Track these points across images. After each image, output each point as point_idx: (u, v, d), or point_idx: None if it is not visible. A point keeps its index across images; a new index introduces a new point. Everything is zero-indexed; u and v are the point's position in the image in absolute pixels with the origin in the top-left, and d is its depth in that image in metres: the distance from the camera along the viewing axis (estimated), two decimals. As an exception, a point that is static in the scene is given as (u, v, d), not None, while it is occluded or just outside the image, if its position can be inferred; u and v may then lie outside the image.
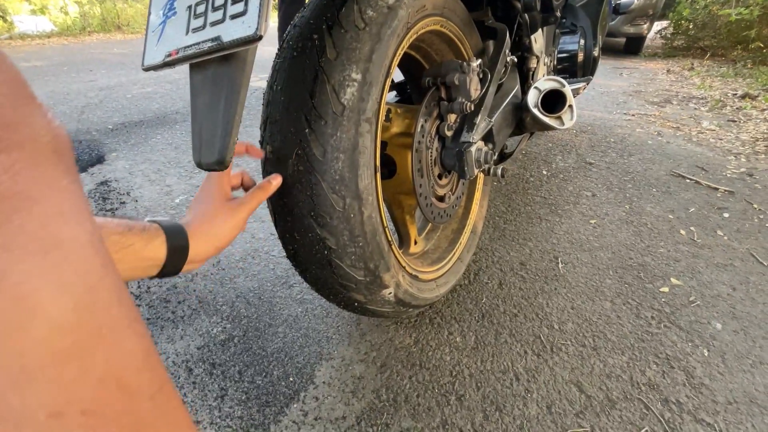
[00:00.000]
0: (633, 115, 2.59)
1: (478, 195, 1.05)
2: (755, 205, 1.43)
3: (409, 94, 1.04)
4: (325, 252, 0.57)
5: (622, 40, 5.29)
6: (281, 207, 0.57)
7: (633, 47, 5.26)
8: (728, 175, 1.68)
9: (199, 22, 0.41)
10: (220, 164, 0.43)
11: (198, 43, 0.40)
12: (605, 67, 4.36)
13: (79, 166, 1.63)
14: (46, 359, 0.14)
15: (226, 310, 0.92)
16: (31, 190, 0.14)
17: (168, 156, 1.74)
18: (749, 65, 3.94)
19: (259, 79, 3.26)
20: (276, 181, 0.54)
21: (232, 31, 0.37)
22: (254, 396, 0.72)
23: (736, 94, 3.02)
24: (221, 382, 0.75)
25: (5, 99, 0.15)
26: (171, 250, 0.45)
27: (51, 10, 7.00)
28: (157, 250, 0.44)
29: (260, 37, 0.36)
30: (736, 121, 2.44)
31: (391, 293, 0.66)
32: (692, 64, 4.37)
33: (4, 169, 0.14)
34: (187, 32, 0.42)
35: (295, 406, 0.71)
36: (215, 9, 0.39)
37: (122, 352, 0.17)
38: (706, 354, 0.83)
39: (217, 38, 0.38)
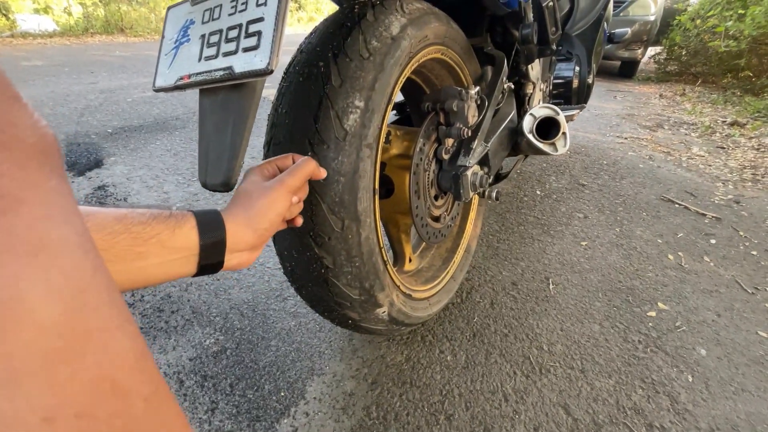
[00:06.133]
0: (626, 138, 2.65)
1: (472, 215, 1.07)
2: (741, 233, 1.47)
3: (407, 114, 1.07)
4: (322, 270, 0.58)
5: (617, 63, 5.43)
6: (281, 225, 0.59)
7: (627, 71, 5.40)
8: (716, 202, 1.73)
9: (212, 51, 0.43)
10: (225, 186, 0.44)
11: (210, 71, 0.42)
12: (600, 89, 4.46)
13: (76, 169, 1.64)
14: (36, 362, 0.13)
15: (219, 321, 0.92)
16: (17, 191, 0.14)
17: (167, 162, 1.75)
18: (738, 93, 4.05)
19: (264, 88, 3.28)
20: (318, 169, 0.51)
21: (244, 63, 0.39)
22: (245, 410, 0.73)
23: (725, 121, 3.10)
24: (212, 395, 0.75)
25: None
26: (204, 235, 0.40)
27: (54, 9, 7.03)
28: (188, 237, 0.39)
29: (271, 71, 0.38)
30: (724, 148, 2.51)
31: (384, 312, 0.67)
32: (684, 90, 4.48)
33: None
34: (200, 59, 0.44)
35: (285, 421, 0.71)
36: (228, 41, 0.41)
37: (114, 353, 0.16)
38: (690, 380, 0.85)
39: (229, 68, 0.40)
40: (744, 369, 0.88)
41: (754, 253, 1.34)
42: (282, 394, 0.76)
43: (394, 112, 1.10)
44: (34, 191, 0.15)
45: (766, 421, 0.76)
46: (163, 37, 0.50)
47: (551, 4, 0.85)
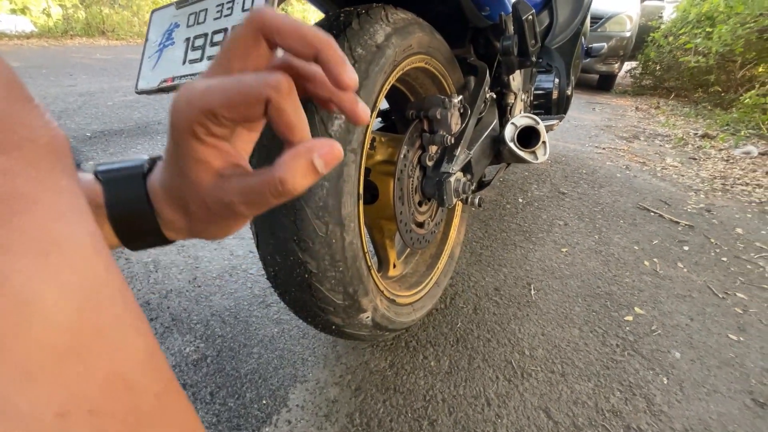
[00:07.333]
0: (604, 148, 2.73)
1: (456, 221, 1.09)
2: (712, 240, 1.53)
3: (392, 121, 1.08)
4: (306, 275, 0.58)
5: (596, 76, 5.62)
6: (264, 230, 0.58)
7: (605, 84, 5.60)
8: (688, 210, 1.80)
9: (197, 54, 0.43)
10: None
11: (194, 74, 0.42)
12: (580, 101, 4.60)
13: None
14: (50, 360, 0.14)
15: (200, 328, 0.90)
16: (30, 191, 0.14)
17: (147, 167, 1.72)
18: (709, 107, 4.25)
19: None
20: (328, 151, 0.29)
21: (228, 67, 0.39)
22: (225, 419, 0.71)
23: (697, 134, 3.24)
24: (191, 404, 0.73)
25: (2, 101, 0.15)
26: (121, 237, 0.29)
27: (32, 10, 6.86)
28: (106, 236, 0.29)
29: (256, 76, 0.38)
30: (696, 159, 2.61)
31: (368, 317, 0.68)
32: (658, 103, 4.67)
33: (2, 171, 0.14)
34: (184, 62, 0.44)
35: (267, 429, 0.70)
36: (213, 44, 0.41)
37: (126, 350, 0.17)
38: (665, 382, 0.88)
39: (214, 72, 0.40)
40: (716, 371, 0.91)
41: (725, 259, 1.40)
42: (264, 401, 0.75)
43: (380, 119, 1.11)
44: (47, 191, 0.15)
45: (736, 421, 0.79)
46: (147, 39, 0.50)
47: (531, 18, 0.89)
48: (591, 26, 4.78)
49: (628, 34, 4.82)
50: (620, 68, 5.28)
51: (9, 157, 0.14)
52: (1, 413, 0.13)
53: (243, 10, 0.40)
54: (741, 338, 1.02)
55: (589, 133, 3.15)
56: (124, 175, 0.28)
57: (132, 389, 0.17)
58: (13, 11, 6.71)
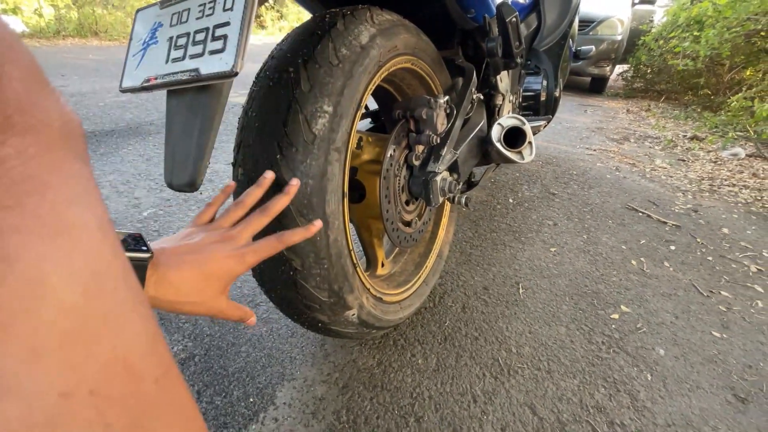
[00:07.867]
0: (595, 150, 2.76)
1: (444, 221, 1.10)
2: (698, 240, 1.55)
3: (382, 121, 1.09)
4: (291, 273, 0.59)
5: (588, 79, 5.68)
6: (250, 227, 0.59)
7: (597, 87, 5.66)
8: (676, 211, 1.82)
9: (179, 53, 0.43)
10: (190, 186, 0.45)
11: (176, 73, 0.43)
12: (572, 103, 4.65)
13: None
14: (55, 341, 0.14)
15: (188, 327, 0.90)
16: (43, 174, 0.15)
17: (138, 168, 1.71)
18: (698, 110, 4.31)
19: (238, 95, 3.27)
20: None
21: (210, 66, 0.40)
22: (212, 417, 0.71)
23: (686, 136, 3.29)
24: (190, 391, 0.73)
25: (20, 83, 0.15)
26: None
27: (24, 10, 6.80)
28: None
29: (236, 74, 0.39)
30: (685, 161, 2.65)
31: (354, 314, 0.68)
32: (649, 106, 4.73)
33: (17, 153, 0.14)
34: (167, 61, 0.44)
35: (253, 427, 0.70)
36: (195, 43, 0.42)
37: (128, 335, 0.17)
38: (649, 378, 0.89)
39: (195, 70, 0.41)
40: (699, 367, 0.93)
41: (710, 258, 1.42)
42: (251, 400, 0.75)
43: (370, 120, 1.12)
44: (59, 174, 0.15)
45: (717, 416, 0.81)
46: (131, 38, 0.50)
47: (514, 20, 0.90)
48: (583, 30, 4.84)
49: (619, 38, 4.88)
50: (612, 71, 5.34)
51: (24, 140, 0.14)
52: (7, 390, 0.13)
53: (224, 9, 0.40)
54: (724, 335, 1.04)
55: (581, 134, 3.19)
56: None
57: (133, 373, 0.17)
58: (5, 11, 6.65)
